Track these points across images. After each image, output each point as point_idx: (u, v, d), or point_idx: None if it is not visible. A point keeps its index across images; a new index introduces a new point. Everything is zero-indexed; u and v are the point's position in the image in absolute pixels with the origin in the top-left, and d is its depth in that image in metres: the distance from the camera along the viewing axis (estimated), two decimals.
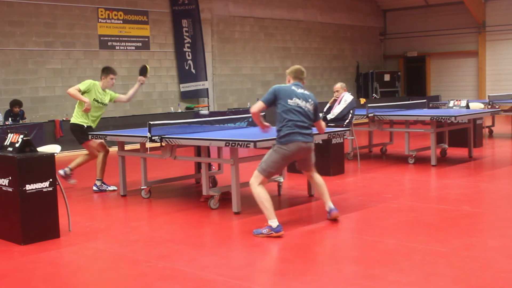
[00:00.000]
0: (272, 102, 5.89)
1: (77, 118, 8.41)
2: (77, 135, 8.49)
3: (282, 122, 5.78)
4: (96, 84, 8.45)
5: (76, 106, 8.50)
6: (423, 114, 10.36)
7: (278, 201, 7.48)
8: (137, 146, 8.33)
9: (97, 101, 8.41)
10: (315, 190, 6.32)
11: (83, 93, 8.22)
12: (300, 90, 6.02)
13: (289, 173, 8.70)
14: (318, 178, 6.22)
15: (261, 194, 5.70)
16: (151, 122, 7.24)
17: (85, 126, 8.42)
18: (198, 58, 16.95)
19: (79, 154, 12.29)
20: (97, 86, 8.43)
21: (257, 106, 5.88)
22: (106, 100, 8.58)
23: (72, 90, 8.20)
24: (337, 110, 9.91)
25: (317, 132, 6.31)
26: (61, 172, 8.43)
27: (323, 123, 6.31)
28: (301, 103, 5.89)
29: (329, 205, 6.13)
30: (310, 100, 5.99)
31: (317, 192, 6.26)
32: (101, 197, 8.05)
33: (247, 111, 15.72)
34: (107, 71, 8.62)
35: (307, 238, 5.71)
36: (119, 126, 12.25)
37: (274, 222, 5.58)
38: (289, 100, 5.85)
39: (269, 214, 5.63)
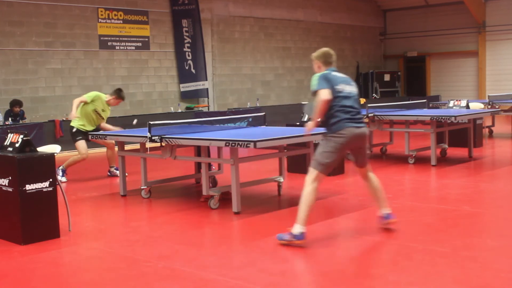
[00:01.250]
0: (330, 86, 5.34)
1: (75, 121, 9.16)
2: (70, 136, 9.34)
3: (331, 109, 5.28)
4: (102, 97, 9.21)
5: (79, 110, 9.06)
6: (423, 114, 10.36)
7: (278, 201, 7.48)
8: (137, 146, 8.33)
9: (97, 111, 9.18)
10: (369, 191, 5.72)
11: (90, 101, 9.09)
12: (340, 75, 5.49)
13: (289, 173, 8.71)
14: (374, 178, 5.68)
15: (308, 196, 5.24)
16: (151, 122, 7.24)
17: (75, 129, 9.12)
18: (198, 58, 16.95)
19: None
20: (102, 99, 9.19)
21: (326, 92, 5.28)
22: (105, 115, 9.34)
23: (76, 101, 9.03)
24: None
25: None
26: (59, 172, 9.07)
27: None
28: (347, 88, 5.40)
29: (385, 210, 5.61)
30: (352, 83, 5.53)
31: (371, 194, 5.73)
32: (101, 197, 8.05)
33: (247, 111, 15.75)
34: (120, 94, 9.39)
35: (307, 238, 5.70)
36: (119, 126, 12.22)
37: (298, 228, 5.15)
38: (336, 87, 5.32)
39: (300, 218, 5.19)
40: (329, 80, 5.33)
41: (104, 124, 9.36)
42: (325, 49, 5.62)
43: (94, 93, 9.21)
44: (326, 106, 5.27)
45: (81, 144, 9.09)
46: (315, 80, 5.39)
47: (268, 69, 19.56)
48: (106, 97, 9.30)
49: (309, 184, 5.28)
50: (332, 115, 5.29)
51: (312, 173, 5.31)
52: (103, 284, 4.54)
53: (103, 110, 9.23)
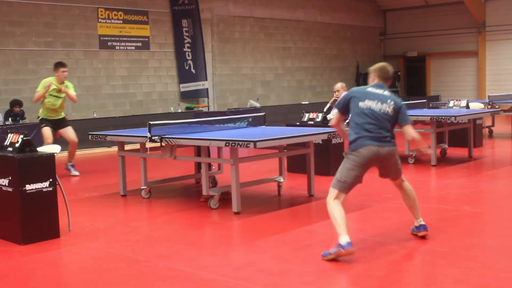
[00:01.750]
0: (346, 107, 5.27)
1: (40, 111, 9.97)
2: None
3: (353, 125, 5.18)
4: (52, 78, 9.76)
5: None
6: (423, 114, 10.36)
7: (278, 201, 7.49)
8: (137, 146, 8.33)
9: (51, 94, 9.68)
10: (404, 201, 5.56)
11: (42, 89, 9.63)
12: (378, 91, 5.24)
13: (289, 173, 8.71)
14: (408, 188, 5.50)
15: (334, 209, 5.05)
16: (151, 122, 7.23)
17: (40, 118, 9.96)
18: (198, 58, 16.95)
19: (79, 154, 12.28)
20: (54, 80, 9.68)
21: (334, 117, 5.41)
22: (64, 93, 9.73)
23: (35, 95, 9.84)
24: None
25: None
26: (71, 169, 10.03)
27: (410, 129, 5.40)
28: (375, 105, 5.14)
29: (419, 221, 5.43)
30: (389, 101, 5.19)
31: (406, 204, 5.56)
32: (101, 197, 8.05)
33: (247, 111, 15.74)
34: (56, 66, 9.82)
35: (307, 238, 5.71)
36: (119, 126, 12.24)
37: (343, 239, 4.85)
38: (360, 103, 5.16)
39: (340, 230, 4.93)
40: (352, 96, 5.23)
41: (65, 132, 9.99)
42: (383, 64, 5.48)
43: (42, 81, 9.78)
44: (336, 128, 5.45)
45: (45, 130, 9.70)
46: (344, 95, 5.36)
47: (268, 69, 19.56)
48: (53, 78, 9.75)
49: (329, 202, 5.13)
50: (353, 132, 5.17)
51: (332, 192, 5.16)
52: (103, 284, 4.54)
53: (58, 91, 9.67)
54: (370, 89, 5.26)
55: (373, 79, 5.38)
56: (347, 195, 5.17)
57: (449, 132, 10.81)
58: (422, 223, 5.42)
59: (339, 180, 5.14)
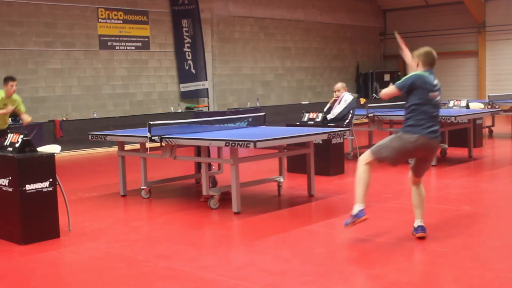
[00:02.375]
0: (408, 90, 5.22)
1: None
2: None
3: (414, 111, 5.19)
4: (1, 92, 9.33)
5: None
6: None
7: (278, 201, 7.49)
8: (137, 146, 8.34)
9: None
10: (412, 198, 5.59)
11: None
12: (436, 81, 5.30)
13: (289, 173, 8.71)
14: (422, 188, 5.56)
15: (363, 175, 5.23)
16: (151, 122, 7.24)
17: None
18: (198, 58, 16.95)
19: (79, 154, 12.31)
20: (1, 94, 9.29)
21: (390, 92, 5.35)
22: (12, 103, 9.33)
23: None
24: (337, 110, 9.91)
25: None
26: None
27: None
28: (435, 94, 5.24)
29: (419, 221, 5.46)
30: (440, 91, 5.35)
31: (413, 201, 5.58)
32: (101, 197, 8.05)
33: (247, 111, 15.75)
34: (5, 80, 9.40)
35: (307, 238, 5.71)
36: (119, 126, 12.24)
37: (357, 207, 5.19)
38: (430, 93, 5.20)
39: (358, 196, 5.21)
40: (420, 83, 5.18)
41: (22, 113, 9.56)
42: (428, 49, 5.43)
43: None
44: (389, 97, 5.40)
45: None
46: (408, 76, 5.29)
47: (268, 69, 19.56)
48: (2, 91, 9.44)
49: (362, 164, 5.25)
50: (412, 117, 5.19)
51: (367, 156, 5.25)
52: (103, 284, 4.54)
53: (4, 104, 9.32)
54: (431, 77, 5.26)
55: (417, 63, 5.35)
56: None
57: (449, 132, 10.81)
58: (422, 224, 5.43)
59: (381, 152, 5.22)
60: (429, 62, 5.32)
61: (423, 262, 4.80)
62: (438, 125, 5.29)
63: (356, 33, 22.90)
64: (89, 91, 15.07)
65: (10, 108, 9.34)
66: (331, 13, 21.64)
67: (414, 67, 5.39)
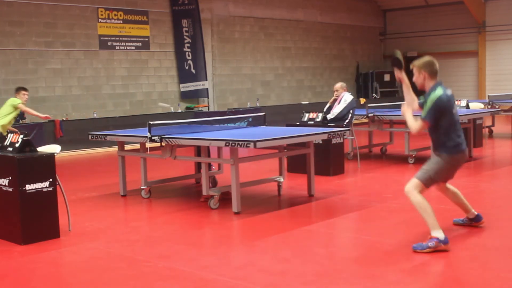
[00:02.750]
0: (437, 118, 5.12)
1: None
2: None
3: (449, 132, 5.14)
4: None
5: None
6: None
7: (278, 201, 7.49)
8: (137, 146, 8.33)
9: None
10: (450, 200, 5.67)
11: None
12: (449, 92, 5.20)
13: (289, 173, 8.71)
14: (451, 186, 5.64)
15: (423, 202, 5.08)
16: (151, 122, 7.23)
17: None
18: (198, 58, 16.95)
19: (79, 154, 12.31)
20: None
21: (421, 126, 5.20)
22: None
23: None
24: (337, 110, 9.91)
25: None
26: None
27: None
28: (456, 109, 5.25)
29: (473, 211, 5.63)
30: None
31: (454, 201, 5.68)
32: (101, 197, 8.05)
33: (247, 111, 15.74)
34: (18, 89, 10.39)
35: (307, 238, 5.71)
36: (119, 126, 12.24)
37: (440, 233, 4.98)
38: (453, 110, 5.17)
39: (433, 224, 5.03)
40: (446, 107, 5.08)
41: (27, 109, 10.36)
42: (428, 57, 5.26)
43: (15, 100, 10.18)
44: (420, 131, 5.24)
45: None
46: (432, 102, 5.06)
47: (268, 69, 19.56)
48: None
49: (416, 195, 5.10)
50: (450, 138, 5.15)
51: (418, 186, 5.13)
52: (103, 284, 4.54)
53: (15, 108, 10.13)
54: (448, 93, 5.14)
55: (425, 77, 5.16)
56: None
57: None
58: (476, 212, 5.61)
59: (432, 178, 5.18)
60: (435, 72, 5.16)
61: (423, 262, 4.80)
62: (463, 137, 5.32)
63: (356, 33, 22.91)
64: (89, 91, 15.07)
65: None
66: (331, 13, 21.64)
67: (420, 81, 5.19)
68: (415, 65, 5.19)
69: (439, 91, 5.07)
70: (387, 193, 7.67)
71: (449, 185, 5.61)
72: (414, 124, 5.19)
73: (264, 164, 8.73)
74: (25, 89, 10.48)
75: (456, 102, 5.35)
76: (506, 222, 6.19)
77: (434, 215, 5.04)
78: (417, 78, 5.18)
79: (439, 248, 4.90)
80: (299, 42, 20.54)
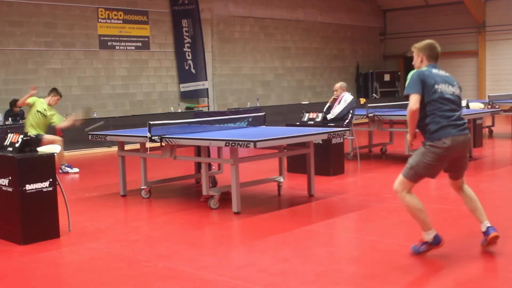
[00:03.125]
0: (423, 89, 4.69)
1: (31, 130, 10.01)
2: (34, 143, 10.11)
3: (429, 115, 4.69)
4: (40, 99, 10.17)
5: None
6: None
7: (278, 201, 7.49)
8: (137, 146, 8.33)
9: (40, 112, 10.03)
10: (465, 204, 5.12)
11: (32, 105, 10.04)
12: (441, 73, 4.83)
13: (289, 173, 8.71)
14: (468, 190, 5.07)
15: (412, 203, 4.78)
16: (151, 122, 7.23)
17: (32, 135, 9.64)
18: (198, 58, 16.95)
19: (79, 154, 12.31)
20: (42, 100, 10.13)
21: (414, 100, 4.67)
22: (48, 113, 10.12)
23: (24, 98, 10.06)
24: (337, 110, 9.91)
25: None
26: (67, 169, 10.20)
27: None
28: (447, 88, 4.74)
29: (485, 223, 4.96)
30: (455, 83, 4.84)
31: (468, 207, 5.11)
32: (101, 197, 8.05)
33: (247, 111, 15.74)
34: (55, 91, 10.38)
35: (307, 238, 5.71)
36: (119, 126, 12.23)
37: (430, 234, 4.74)
38: (436, 86, 4.69)
39: (423, 225, 4.76)
40: (426, 79, 4.70)
41: (58, 123, 10.31)
42: (429, 40, 4.99)
43: (32, 98, 10.10)
44: (415, 116, 4.70)
45: (47, 136, 9.97)
46: (409, 78, 4.83)
47: (268, 69, 19.56)
48: (45, 100, 10.25)
49: (404, 196, 4.81)
50: (431, 121, 4.68)
51: (403, 183, 4.80)
52: (103, 284, 4.54)
53: (45, 109, 10.10)
54: (434, 70, 4.80)
55: (422, 59, 4.91)
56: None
57: None
58: (489, 225, 4.93)
59: (416, 172, 4.76)
60: (431, 55, 4.89)
61: (423, 262, 4.80)
62: (461, 119, 4.76)
63: (356, 33, 22.91)
64: (89, 91, 15.07)
65: (32, 92, 9.89)
66: (331, 13, 21.64)
67: (417, 64, 4.94)
68: (415, 47, 4.99)
69: (424, 68, 4.84)
70: (387, 193, 7.67)
71: (466, 187, 5.07)
72: (412, 101, 4.71)
73: (264, 164, 8.73)
74: (60, 94, 10.35)
75: (452, 86, 4.85)
76: (506, 222, 6.19)
77: (424, 215, 4.78)
78: (415, 60, 4.96)
79: (434, 248, 4.78)
80: (299, 42, 20.54)
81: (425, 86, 4.68)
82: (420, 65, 4.91)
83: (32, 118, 10.00)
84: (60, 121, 10.23)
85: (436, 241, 4.77)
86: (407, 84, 4.83)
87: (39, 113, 10.00)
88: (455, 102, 4.76)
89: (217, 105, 17.99)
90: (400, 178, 4.85)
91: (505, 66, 21.42)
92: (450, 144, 4.64)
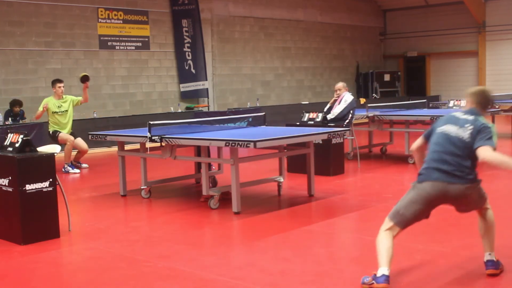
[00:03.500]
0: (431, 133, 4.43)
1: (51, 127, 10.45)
2: (50, 138, 10.44)
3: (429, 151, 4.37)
4: (50, 98, 10.34)
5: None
6: (423, 114, 10.36)
7: (278, 201, 7.49)
8: (137, 146, 8.34)
9: (56, 112, 10.24)
10: (478, 227, 4.70)
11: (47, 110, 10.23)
12: (463, 116, 4.31)
13: (289, 173, 8.71)
14: (490, 217, 4.63)
15: (381, 239, 4.30)
16: (151, 122, 7.24)
17: (51, 131, 10.39)
18: (198, 58, 16.95)
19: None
20: (51, 100, 10.29)
21: (416, 143, 4.55)
22: (66, 106, 10.36)
23: (36, 114, 10.40)
24: (337, 110, 9.91)
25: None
26: (69, 169, 10.23)
27: (485, 152, 4.13)
28: (451, 128, 4.26)
29: (486, 256, 4.54)
30: (467, 125, 4.23)
31: (479, 231, 4.70)
32: (101, 197, 8.05)
33: (247, 111, 15.74)
34: (53, 82, 10.47)
35: (307, 238, 5.71)
36: (119, 126, 12.24)
37: (380, 271, 4.14)
38: (438, 129, 4.34)
39: (380, 260, 4.19)
40: (439, 120, 4.40)
41: (81, 98, 10.53)
42: (481, 88, 4.59)
43: (43, 100, 10.42)
44: (417, 155, 4.58)
45: (62, 135, 10.22)
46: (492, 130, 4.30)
47: (268, 69, 19.56)
48: (51, 97, 10.42)
49: (380, 232, 4.36)
50: (425, 160, 4.34)
51: (386, 223, 4.35)
52: (103, 284, 4.54)
53: (59, 106, 10.29)
54: (458, 113, 4.39)
55: (468, 103, 4.47)
56: (399, 228, 4.32)
57: None
58: (491, 258, 4.51)
59: (397, 211, 4.29)
60: (476, 101, 4.43)
61: (423, 262, 4.80)
62: (458, 166, 4.18)
63: (356, 33, 22.91)
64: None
65: (43, 108, 10.14)
66: (331, 13, 21.64)
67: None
68: (466, 92, 4.54)
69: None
70: (387, 193, 7.67)
71: (490, 214, 4.64)
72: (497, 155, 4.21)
73: (264, 164, 8.73)
74: (59, 81, 10.45)
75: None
76: (506, 222, 6.19)
77: (387, 253, 4.21)
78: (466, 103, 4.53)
79: (373, 286, 4.11)
80: (299, 42, 20.53)
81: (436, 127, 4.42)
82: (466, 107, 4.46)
83: (51, 118, 10.33)
84: (79, 98, 10.48)
85: (380, 280, 4.11)
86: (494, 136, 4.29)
87: (55, 114, 10.26)
88: (451, 143, 4.28)
89: (217, 105, 17.99)
90: (386, 219, 4.43)
91: (505, 66, 21.42)
92: (429, 189, 4.25)
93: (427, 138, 4.44)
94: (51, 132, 10.39)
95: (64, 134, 10.25)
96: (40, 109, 10.20)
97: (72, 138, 10.25)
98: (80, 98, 10.49)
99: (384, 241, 4.27)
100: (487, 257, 4.52)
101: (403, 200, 4.31)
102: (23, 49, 13.86)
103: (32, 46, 13.99)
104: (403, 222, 4.28)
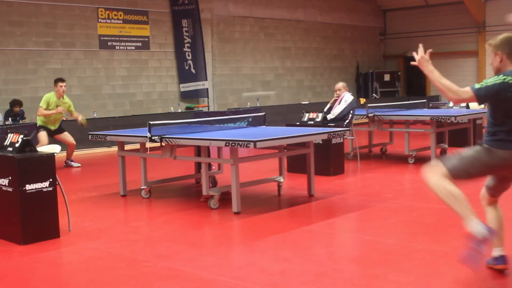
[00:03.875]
0: (489, 99, 4.04)
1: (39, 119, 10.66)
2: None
3: (500, 125, 4.05)
4: (51, 94, 10.48)
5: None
6: (423, 114, 10.36)
7: (278, 201, 7.49)
8: (137, 146, 8.34)
9: (51, 109, 10.41)
10: (489, 222, 4.57)
11: (47, 107, 10.35)
12: None
13: (289, 173, 8.71)
14: (500, 211, 4.71)
15: (446, 185, 4.02)
16: (151, 122, 7.23)
17: (38, 124, 10.63)
18: (198, 58, 16.95)
19: (79, 154, 12.28)
20: (52, 96, 10.42)
21: (464, 95, 4.01)
22: (64, 106, 10.54)
23: (40, 112, 10.45)
24: (337, 110, 9.92)
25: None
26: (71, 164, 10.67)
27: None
28: None
29: (498, 251, 4.43)
30: None
31: (496, 224, 4.59)
32: (101, 197, 8.05)
33: (247, 111, 15.74)
34: (55, 80, 10.59)
35: (307, 238, 5.71)
36: (119, 126, 12.24)
37: (474, 222, 3.96)
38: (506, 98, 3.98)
39: (462, 214, 4.06)
40: (505, 89, 3.96)
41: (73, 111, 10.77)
42: (507, 35, 4.10)
43: (45, 96, 10.50)
44: (461, 102, 4.29)
45: (42, 134, 10.43)
46: (492, 80, 4.01)
47: (268, 69, 19.56)
48: (53, 93, 10.52)
49: (436, 179, 4.06)
50: (500, 131, 4.05)
51: (438, 169, 4.09)
52: (103, 284, 4.54)
53: (57, 106, 10.41)
54: (508, 78, 3.97)
55: (501, 59, 4.05)
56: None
57: (449, 132, 10.81)
58: (503, 253, 4.41)
59: (457, 165, 4.09)
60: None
61: (423, 262, 4.80)
62: None
63: (356, 33, 22.91)
64: (89, 91, 15.07)
65: (60, 108, 10.30)
66: (331, 13, 21.64)
67: (495, 64, 4.10)
68: (491, 44, 4.13)
69: (509, 74, 4.00)
70: (387, 193, 7.67)
71: (498, 207, 4.68)
72: (455, 88, 4.00)
73: (264, 164, 8.73)
74: (62, 80, 10.55)
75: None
76: (506, 222, 6.18)
77: (460, 202, 4.13)
78: (493, 60, 4.10)
79: (486, 241, 3.94)
80: (299, 42, 20.53)
81: (501, 95, 3.99)
82: (499, 65, 4.08)
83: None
84: (72, 109, 10.71)
85: (485, 232, 3.94)
86: (485, 82, 4.04)
87: (50, 111, 10.43)
88: None
89: (217, 105, 17.99)
90: (433, 164, 4.23)
91: None
92: (505, 157, 4.12)
93: (481, 101, 4.04)
94: (37, 125, 10.67)
95: (44, 136, 10.40)
96: (55, 110, 10.32)
97: (45, 143, 10.22)
98: (73, 109, 10.76)
99: (452, 186, 4.02)
100: (498, 252, 4.42)
101: (468, 155, 4.11)
102: (23, 49, 13.86)
103: (32, 46, 13.99)
104: (457, 175, 4.10)
